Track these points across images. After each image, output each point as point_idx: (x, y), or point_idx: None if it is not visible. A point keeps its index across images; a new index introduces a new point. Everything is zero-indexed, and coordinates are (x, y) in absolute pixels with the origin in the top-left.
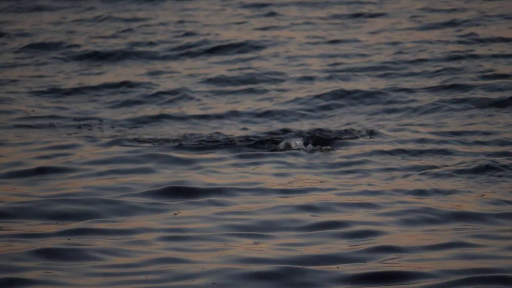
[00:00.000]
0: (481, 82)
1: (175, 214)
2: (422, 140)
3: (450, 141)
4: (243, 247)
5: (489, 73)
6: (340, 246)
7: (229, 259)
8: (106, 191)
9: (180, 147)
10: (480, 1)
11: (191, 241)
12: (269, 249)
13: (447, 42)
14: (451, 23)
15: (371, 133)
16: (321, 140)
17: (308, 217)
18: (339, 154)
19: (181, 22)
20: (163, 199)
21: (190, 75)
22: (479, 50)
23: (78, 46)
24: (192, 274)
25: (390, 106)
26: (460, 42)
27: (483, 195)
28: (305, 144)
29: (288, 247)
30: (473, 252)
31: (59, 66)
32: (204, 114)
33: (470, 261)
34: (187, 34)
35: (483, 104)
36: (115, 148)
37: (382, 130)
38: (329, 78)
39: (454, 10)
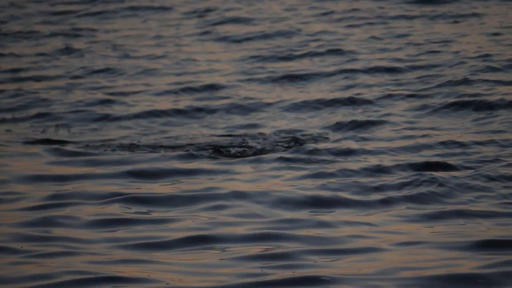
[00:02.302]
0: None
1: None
2: (373, 143)
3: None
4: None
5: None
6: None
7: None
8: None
9: (131, 150)
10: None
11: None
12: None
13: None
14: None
15: (327, 138)
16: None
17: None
18: (290, 159)
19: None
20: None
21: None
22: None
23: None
24: None
25: (351, 111)
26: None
27: (423, 204)
28: (262, 147)
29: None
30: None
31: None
32: (151, 112)
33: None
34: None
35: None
36: (55, 153)
37: (341, 134)
38: (285, 82)
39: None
